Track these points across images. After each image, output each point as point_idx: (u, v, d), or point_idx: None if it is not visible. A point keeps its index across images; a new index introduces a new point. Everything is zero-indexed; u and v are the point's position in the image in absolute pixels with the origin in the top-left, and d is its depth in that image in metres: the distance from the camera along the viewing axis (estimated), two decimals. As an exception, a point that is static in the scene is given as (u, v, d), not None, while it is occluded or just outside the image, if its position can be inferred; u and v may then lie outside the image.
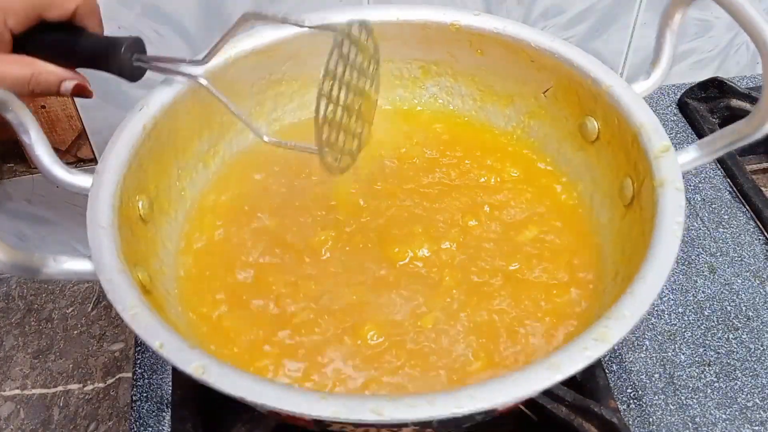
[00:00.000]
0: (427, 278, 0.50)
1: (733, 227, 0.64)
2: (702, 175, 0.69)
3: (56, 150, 0.47)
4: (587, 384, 0.52)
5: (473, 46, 0.58)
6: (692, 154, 0.49)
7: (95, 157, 0.69)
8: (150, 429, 0.51)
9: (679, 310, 0.59)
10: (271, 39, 0.56)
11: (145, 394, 0.53)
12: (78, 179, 0.47)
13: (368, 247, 0.52)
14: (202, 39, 0.63)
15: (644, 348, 0.56)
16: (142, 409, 0.52)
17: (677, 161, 0.47)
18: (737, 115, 0.73)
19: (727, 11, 0.47)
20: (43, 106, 0.64)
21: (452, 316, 0.48)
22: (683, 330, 0.57)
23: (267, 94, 0.59)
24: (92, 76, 0.63)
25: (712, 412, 0.53)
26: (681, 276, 0.61)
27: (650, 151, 0.48)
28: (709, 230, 0.64)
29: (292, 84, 0.60)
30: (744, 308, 0.59)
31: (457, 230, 0.53)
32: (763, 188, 0.67)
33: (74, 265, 0.42)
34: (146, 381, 0.54)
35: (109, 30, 0.61)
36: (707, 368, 0.55)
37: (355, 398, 0.36)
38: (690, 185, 0.68)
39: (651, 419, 0.52)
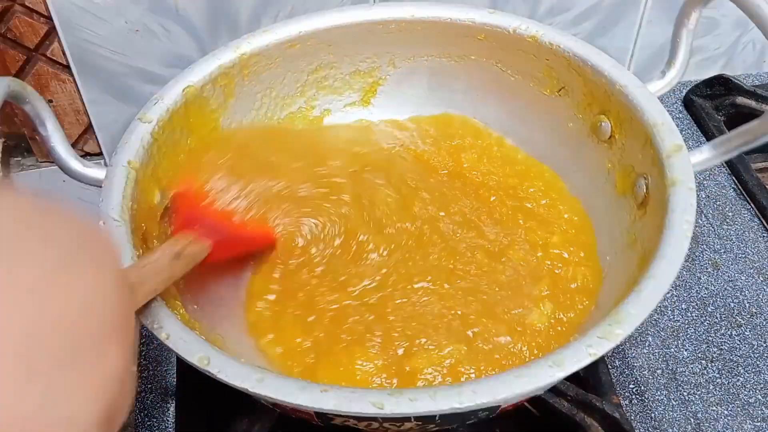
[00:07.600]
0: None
1: (737, 224, 0.64)
2: (707, 172, 0.69)
3: (62, 144, 0.48)
4: (590, 379, 0.52)
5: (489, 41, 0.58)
6: (705, 154, 0.49)
7: (102, 152, 0.69)
8: (154, 420, 0.51)
9: (683, 306, 0.59)
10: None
11: (149, 386, 0.53)
12: (92, 171, 0.48)
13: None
14: (209, 34, 0.64)
15: (647, 344, 0.56)
16: (147, 400, 0.52)
17: (690, 161, 0.47)
18: (743, 112, 0.73)
19: (744, 11, 0.46)
20: (51, 101, 0.64)
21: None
22: (686, 326, 0.57)
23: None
24: (98, 70, 0.63)
25: (714, 408, 0.53)
26: (685, 272, 0.61)
27: (663, 150, 0.47)
28: (713, 227, 0.64)
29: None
30: (747, 305, 0.59)
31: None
32: (768, 186, 0.67)
33: None
34: (150, 372, 0.54)
35: (116, 25, 0.61)
36: (710, 364, 0.55)
37: (356, 391, 0.36)
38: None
39: (653, 414, 0.52)
